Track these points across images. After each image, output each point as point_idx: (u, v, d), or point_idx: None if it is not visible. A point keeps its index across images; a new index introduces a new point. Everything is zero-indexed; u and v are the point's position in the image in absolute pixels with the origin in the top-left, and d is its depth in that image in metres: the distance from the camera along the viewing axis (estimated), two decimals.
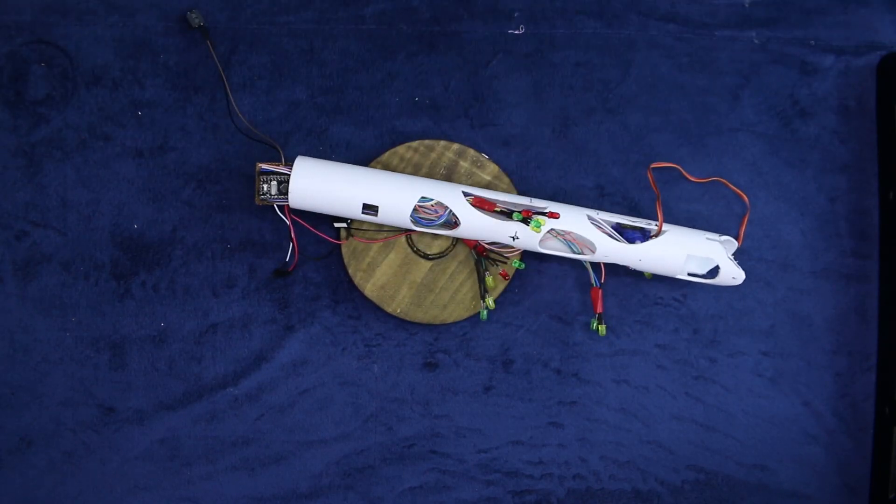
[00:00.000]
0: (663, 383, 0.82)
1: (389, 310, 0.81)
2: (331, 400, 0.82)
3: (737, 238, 0.78)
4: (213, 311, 0.82)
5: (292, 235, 0.80)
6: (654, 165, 0.81)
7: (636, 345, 0.83)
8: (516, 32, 0.85)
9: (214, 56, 0.81)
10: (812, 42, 0.86)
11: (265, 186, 0.77)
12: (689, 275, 0.78)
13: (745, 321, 0.83)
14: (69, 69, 0.83)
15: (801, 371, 0.83)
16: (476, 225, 0.76)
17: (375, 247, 0.80)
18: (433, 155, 0.82)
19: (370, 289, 0.80)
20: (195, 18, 0.81)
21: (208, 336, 0.82)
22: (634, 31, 0.85)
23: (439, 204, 0.75)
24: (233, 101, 0.81)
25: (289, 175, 0.75)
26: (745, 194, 0.83)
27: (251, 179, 0.82)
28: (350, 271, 0.81)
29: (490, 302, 0.80)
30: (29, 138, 0.82)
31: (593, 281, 0.80)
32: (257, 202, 0.78)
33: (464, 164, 0.82)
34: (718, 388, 0.83)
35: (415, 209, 0.75)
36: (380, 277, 0.80)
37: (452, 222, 0.76)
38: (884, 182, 0.84)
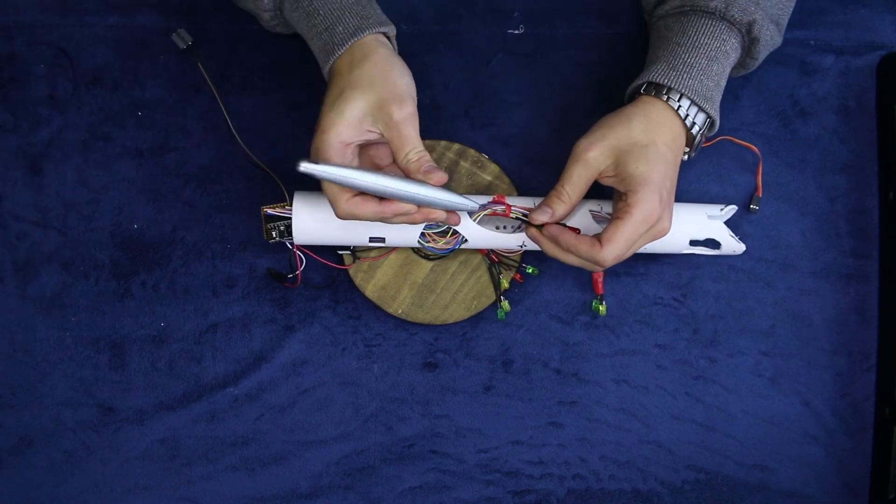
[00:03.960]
0: (663, 383, 0.82)
1: (390, 310, 0.81)
2: (331, 400, 0.82)
3: (755, 192, 0.83)
4: (213, 311, 0.82)
5: (299, 270, 0.80)
6: None
7: (636, 345, 0.83)
8: (516, 32, 0.85)
9: (208, 79, 0.80)
10: (812, 42, 0.86)
11: (274, 233, 0.78)
12: (691, 243, 0.79)
13: (745, 321, 0.83)
14: (69, 69, 0.83)
15: (801, 371, 0.83)
16: (483, 240, 0.77)
17: (376, 249, 0.80)
18: (433, 155, 0.82)
19: (371, 289, 0.80)
20: (181, 40, 0.79)
21: (208, 336, 0.82)
22: (634, 30, 0.85)
23: (447, 242, 0.76)
24: (236, 133, 0.81)
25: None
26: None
27: (252, 180, 0.82)
28: (351, 272, 0.81)
29: (507, 304, 0.80)
30: (29, 138, 0.82)
31: None
32: (266, 239, 0.79)
33: (464, 165, 0.82)
34: (718, 388, 0.83)
35: (422, 234, 0.76)
36: (381, 278, 0.80)
37: (462, 241, 0.77)
38: (884, 182, 0.84)
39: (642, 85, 0.74)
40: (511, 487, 0.82)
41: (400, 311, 0.81)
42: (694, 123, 0.73)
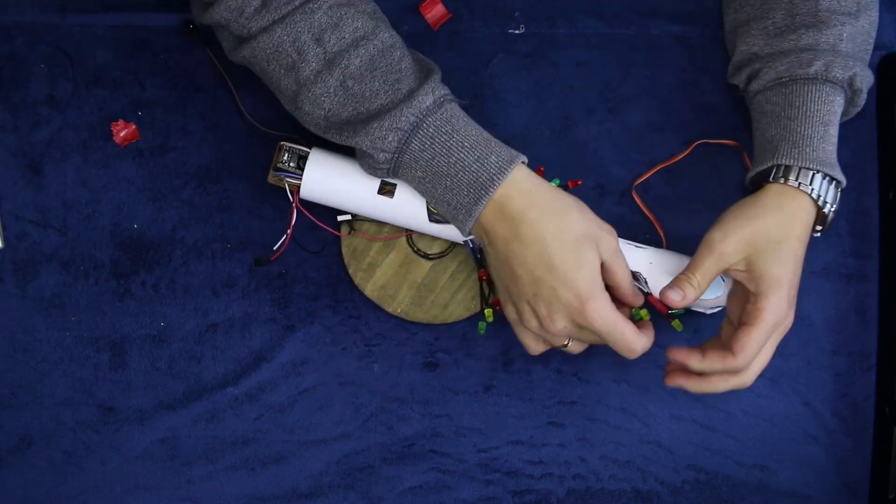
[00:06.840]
0: (663, 383, 0.82)
1: (390, 310, 0.81)
2: (331, 400, 0.82)
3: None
4: (213, 310, 0.82)
5: (295, 211, 0.77)
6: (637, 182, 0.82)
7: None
8: (516, 32, 0.85)
9: (211, 54, 0.81)
10: None
11: (286, 155, 0.76)
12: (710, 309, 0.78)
13: None
14: (69, 69, 0.83)
15: (801, 371, 0.83)
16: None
17: (376, 247, 0.80)
18: None
19: (370, 289, 0.80)
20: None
21: (208, 336, 0.82)
22: (635, 30, 0.85)
23: None
24: (238, 100, 0.81)
25: (308, 152, 0.76)
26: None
27: (252, 179, 0.82)
28: (350, 271, 0.81)
29: (490, 313, 0.79)
30: (29, 138, 0.82)
31: (645, 290, 0.77)
32: (270, 180, 0.77)
33: None
34: None
35: None
36: (380, 277, 0.80)
37: None
38: (884, 182, 0.84)
39: (769, 170, 0.72)
40: (511, 487, 0.82)
41: (399, 311, 0.81)
42: (826, 202, 0.71)
